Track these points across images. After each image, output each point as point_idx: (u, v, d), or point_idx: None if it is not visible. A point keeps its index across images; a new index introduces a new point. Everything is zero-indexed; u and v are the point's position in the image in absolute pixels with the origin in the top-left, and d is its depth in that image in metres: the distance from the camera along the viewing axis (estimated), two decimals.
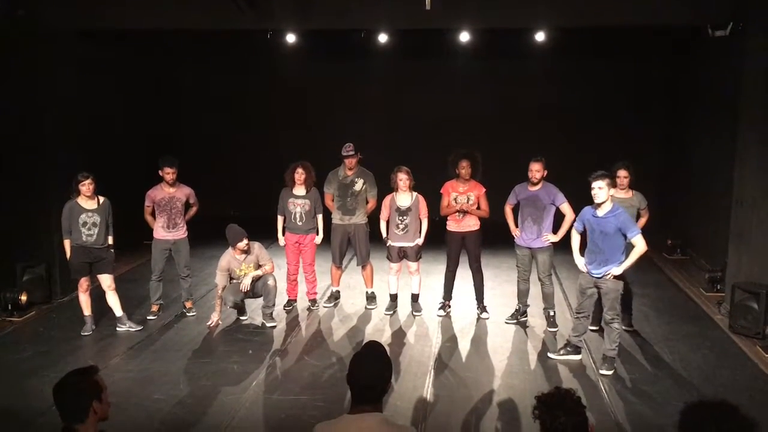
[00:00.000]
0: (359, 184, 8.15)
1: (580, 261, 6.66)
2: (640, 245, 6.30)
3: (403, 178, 7.74)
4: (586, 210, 6.56)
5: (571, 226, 6.92)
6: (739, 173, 8.03)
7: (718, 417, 2.50)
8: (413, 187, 7.89)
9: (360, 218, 8.20)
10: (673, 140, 12.06)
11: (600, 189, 6.26)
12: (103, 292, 7.55)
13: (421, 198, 7.90)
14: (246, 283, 7.44)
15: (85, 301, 7.47)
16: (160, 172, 7.83)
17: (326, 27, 8.87)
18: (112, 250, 7.53)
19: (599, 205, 6.34)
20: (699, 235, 10.49)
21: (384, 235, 7.98)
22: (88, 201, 7.28)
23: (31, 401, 5.78)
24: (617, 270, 6.33)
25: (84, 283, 7.41)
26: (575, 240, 6.78)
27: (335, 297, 8.50)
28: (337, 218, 8.24)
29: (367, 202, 8.23)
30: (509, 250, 8.10)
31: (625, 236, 6.31)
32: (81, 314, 7.51)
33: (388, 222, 7.95)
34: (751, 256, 7.76)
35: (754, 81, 7.72)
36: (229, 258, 7.49)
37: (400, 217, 7.82)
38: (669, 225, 11.29)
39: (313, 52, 11.18)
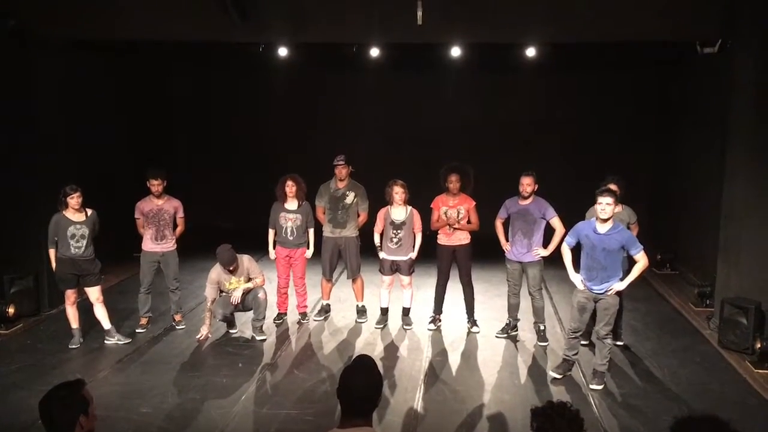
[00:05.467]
0: (350, 197, 8.15)
1: (576, 278, 6.53)
2: (643, 261, 6.29)
3: (398, 192, 7.73)
4: (583, 225, 6.51)
5: (562, 240, 6.86)
6: (728, 188, 8.09)
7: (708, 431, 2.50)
8: (408, 201, 7.89)
9: (351, 231, 8.19)
10: (662, 155, 12.15)
11: (608, 205, 6.18)
12: (91, 305, 7.50)
13: (415, 212, 7.90)
14: (237, 296, 7.41)
15: (72, 313, 7.41)
16: (148, 184, 7.81)
17: (319, 40, 8.90)
18: (99, 262, 7.49)
19: (603, 221, 6.26)
20: (688, 250, 10.54)
21: (378, 244, 7.96)
22: (75, 213, 7.24)
23: (18, 414, 5.72)
24: (620, 286, 6.31)
25: (71, 295, 7.36)
26: (567, 256, 6.67)
27: (325, 310, 8.47)
28: (327, 231, 8.23)
29: (358, 216, 8.23)
30: (500, 264, 8.11)
31: (626, 252, 6.31)
32: (69, 327, 7.44)
33: (382, 234, 7.93)
34: (740, 271, 7.80)
35: (742, 98, 7.79)
36: (219, 271, 7.45)
37: (395, 231, 7.82)
38: (658, 240, 11.34)
39: (306, 64, 11.23)
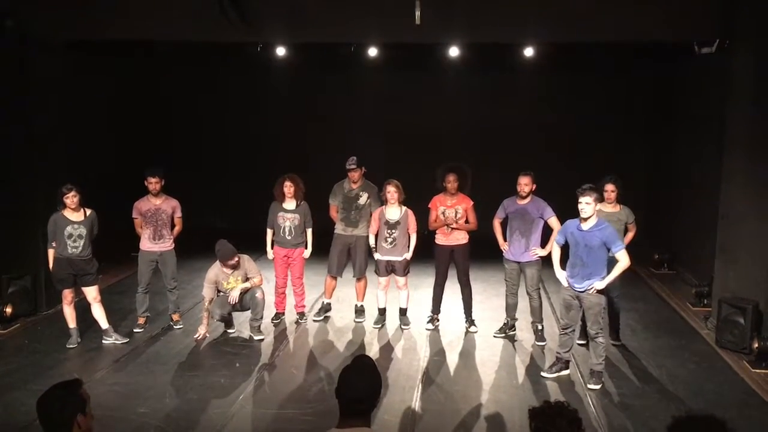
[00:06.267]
0: (364, 198, 8.15)
1: (561, 275, 6.62)
2: (623, 260, 6.33)
3: (391, 191, 7.72)
4: (570, 223, 6.56)
5: None
6: (725, 188, 8.10)
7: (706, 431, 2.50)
8: (403, 202, 7.88)
9: (362, 230, 8.18)
10: (660, 155, 12.16)
11: (587, 204, 6.26)
12: (89, 305, 7.50)
13: (410, 212, 7.89)
14: (234, 296, 7.40)
15: (69, 313, 7.40)
16: (145, 182, 7.81)
17: (317, 40, 8.90)
18: (96, 262, 7.48)
19: (585, 219, 6.34)
20: (686, 250, 10.55)
21: (373, 245, 7.97)
22: (74, 213, 7.24)
23: (15, 414, 5.72)
24: (600, 284, 6.34)
25: (68, 295, 7.34)
26: (556, 253, 6.77)
27: (326, 309, 8.44)
28: (339, 229, 8.24)
29: (370, 215, 8.21)
30: (498, 263, 8.11)
31: (609, 250, 6.34)
32: (66, 327, 7.43)
33: (377, 235, 7.94)
34: (738, 271, 7.81)
35: (739, 98, 7.80)
36: (217, 270, 7.45)
37: (389, 231, 7.81)
38: (656, 239, 11.36)
39: (304, 64, 11.22)
